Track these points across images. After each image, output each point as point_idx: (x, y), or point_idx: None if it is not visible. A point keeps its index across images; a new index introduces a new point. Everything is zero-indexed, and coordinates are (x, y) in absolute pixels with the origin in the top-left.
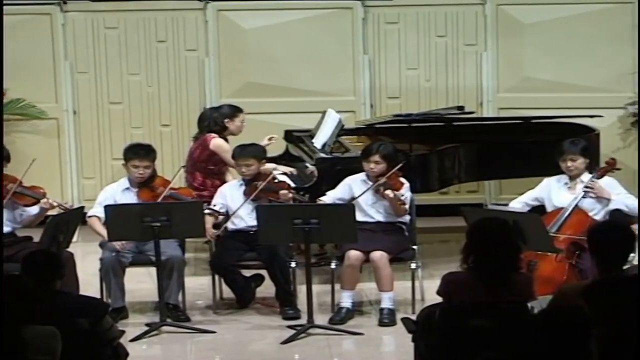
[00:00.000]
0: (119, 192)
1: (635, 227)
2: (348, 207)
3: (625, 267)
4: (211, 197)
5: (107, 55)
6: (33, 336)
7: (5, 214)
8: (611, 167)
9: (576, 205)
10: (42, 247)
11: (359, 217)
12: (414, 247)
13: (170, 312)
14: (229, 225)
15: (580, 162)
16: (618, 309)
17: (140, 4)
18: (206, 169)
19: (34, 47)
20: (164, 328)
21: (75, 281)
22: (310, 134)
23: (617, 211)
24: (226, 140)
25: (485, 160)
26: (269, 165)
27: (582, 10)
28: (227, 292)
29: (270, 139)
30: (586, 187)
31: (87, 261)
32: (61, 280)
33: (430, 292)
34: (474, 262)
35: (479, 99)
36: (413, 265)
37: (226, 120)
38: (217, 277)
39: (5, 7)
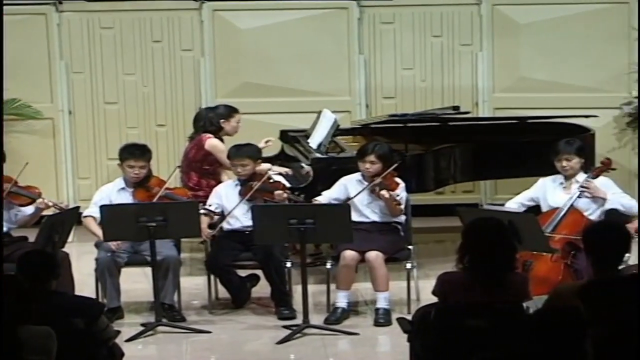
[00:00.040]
0: (115, 192)
1: (630, 225)
2: (343, 207)
3: (620, 267)
4: (206, 197)
5: (103, 55)
6: (28, 336)
7: None
8: (606, 167)
9: (571, 205)
10: (37, 247)
11: (355, 217)
12: (410, 247)
13: (166, 312)
14: (225, 225)
15: (576, 162)
16: (613, 309)
17: (135, 4)
18: (201, 169)
19: (30, 47)
20: (160, 328)
21: (70, 281)
22: (306, 134)
23: (613, 211)
24: (221, 140)
25: (481, 160)
26: (265, 166)
27: (578, 11)
28: (223, 292)
29: (267, 142)
30: (582, 186)
31: (82, 261)
32: (57, 281)
33: (425, 292)
34: (470, 262)
35: (474, 99)
36: (408, 265)
37: (222, 120)
38: (212, 277)
39: None
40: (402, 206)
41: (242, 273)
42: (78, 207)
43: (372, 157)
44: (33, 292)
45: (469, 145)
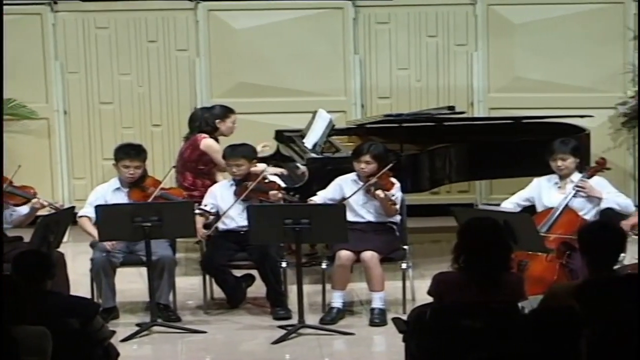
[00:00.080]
0: (110, 192)
1: (626, 222)
2: (339, 207)
3: (615, 267)
4: (201, 197)
5: (98, 55)
6: (24, 336)
7: None
8: (601, 166)
9: (566, 205)
10: (32, 247)
11: (350, 217)
12: (405, 247)
13: (161, 312)
14: (220, 225)
15: (571, 161)
16: (609, 309)
17: (130, 4)
18: (196, 169)
19: (25, 47)
20: (155, 328)
21: (65, 281)
22: (301, 134)
23: (608, 210)
24: (217, 140)
25: (476, 160)
26: (261, 166)
27: (573, 11)
28: (218, 292)
29: (264, 147)
30: (577, 186)
31: (77, 261)
32: (52, 281)
33: (421, 292)
34: (465, 262)
35: (469, 99)
36: (404, 265)
37: (217, 121)
38: (207, 277)
39: None
40: (398, 206)
41: (238, 273)
42: (73, 207)
43: (367, 157)
44: (28, 292)
45: (464, 145)
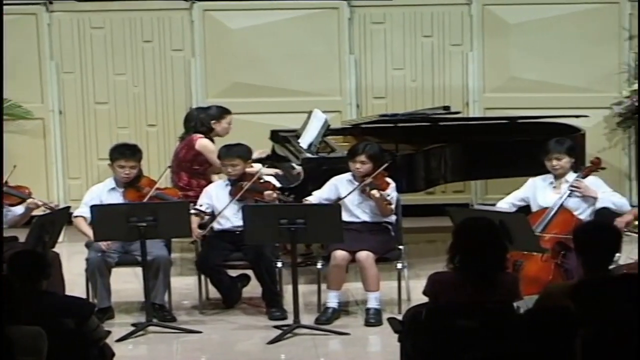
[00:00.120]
0: (105, 192)
1: (621, 219)
2: (334, 207)
3: (611, 266)
4: (197, 197)
5: (93, 55)
6: (19, 336)
7: None
8: (596, 166)
9: (561, 204)
10: (27, 247)
11: (345, 217)
12: (400, 247)
13: (157, 312)
14: (215, 225)
15: (566, 161)
16: (604, 309)
17: (126, 4)
18: (191, 169)
19: (20, 47)
20: (150, 328)
21: (61, 281)
22: (297, 134)
23: (604, 209)
24: (212, 141)
25: (472, 160)
26: (257, 166)
27: (568, 11)
28: (213, 292)
29: (261, 153)
30: (572, 186)
31: (73, 261)
32: (47, 281)
33: (416, 292)
34: (460, 262)
35: (464, 99)
36: (399, 265)
37: (213, 121)
38: (203, 277)
39: None
40: (393, 206)
41: (233, 273)
42: (68, 207)
43: (362, 157)
44: (23, 292)
45: (459, 145)
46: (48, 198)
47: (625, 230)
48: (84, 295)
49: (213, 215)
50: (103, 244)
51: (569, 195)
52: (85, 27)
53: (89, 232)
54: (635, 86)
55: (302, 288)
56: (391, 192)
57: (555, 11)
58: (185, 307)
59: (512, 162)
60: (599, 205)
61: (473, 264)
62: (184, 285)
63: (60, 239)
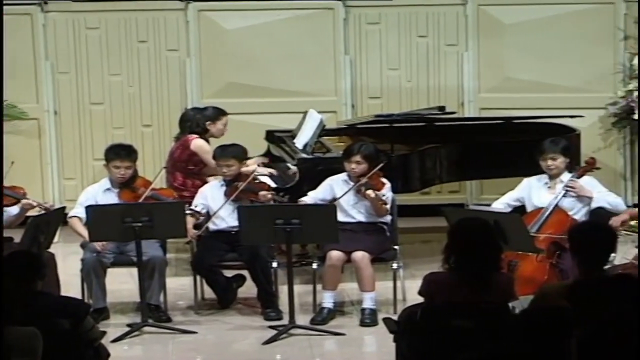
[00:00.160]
0: (100, 192)
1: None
2: (329, 207)
3: (606, 267)
4: (192, 197)
5: (88, 55)
6: (14, 337)
7: None
8: (591, 166)
9: (556, 204)
10: (23, 247)
11: (341, 217)
12: (396, 247)
13: (152, 312)
14: (210, 226)
15: (561, 161)
16: (600, 309)
17: (121, 4)
18: (186, 169)
19: (15, 47)
20: (146, 329)
21: (56, 282)
22: (292, 134)
23: (599, 209)
24: (207, 141)
25: (467, 160)
26: (252, 166)
27: (563, 11)
28: (209, 293)
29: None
30: (567, 186)
31: (68, 262)
32: (42, 281)
33: (411, 292)
34: (456, 262)
35: (460, 99)
36: (394, 266)
37: (208, 122)
38: (198, 277)
39: None
40: (388, 206)
41: (228, 273)
42: (64, 208)
43: (358, 157)
44: (18, 293)
45: (454, 145)
46: (43, 198)
47: (621, 229)
48: (79, 296)
49: (208, 216)
50: (98, 245)
51: (564, 196)
52: (80, 27)
53: (84, 232)
54: (630, 86)
55: (297, 288)
56: (386, 192)
57: (550, 11)
58: (181, 307)
59: (508, 163)
60: (594, 205)
61: (468, 264)
62: (179, 286)
63: (56, 239)
